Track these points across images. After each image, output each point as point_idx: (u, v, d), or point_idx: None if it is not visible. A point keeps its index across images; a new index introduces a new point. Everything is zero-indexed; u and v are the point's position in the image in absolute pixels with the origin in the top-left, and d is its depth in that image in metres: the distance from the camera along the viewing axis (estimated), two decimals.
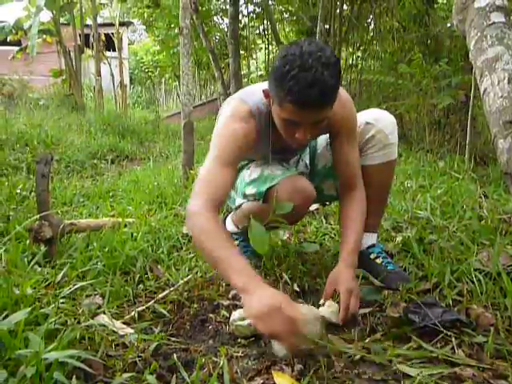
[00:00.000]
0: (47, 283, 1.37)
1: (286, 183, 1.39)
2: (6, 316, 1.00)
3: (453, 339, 1.10)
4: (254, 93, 1.38)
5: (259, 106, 1.36)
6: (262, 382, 0.97)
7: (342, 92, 1.41)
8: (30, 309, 1.01)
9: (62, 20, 9.02)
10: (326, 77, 1.11)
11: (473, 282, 1.35)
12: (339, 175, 1.49)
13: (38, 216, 1.63)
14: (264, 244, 1.28)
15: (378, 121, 1.49)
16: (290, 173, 1.46)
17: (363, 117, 1.52)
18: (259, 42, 10.76)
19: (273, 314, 0.97)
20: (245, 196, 1.51)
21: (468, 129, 3.68)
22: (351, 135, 1.43)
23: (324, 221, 2.25)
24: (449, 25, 5.26)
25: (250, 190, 1.48)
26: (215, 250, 1.12)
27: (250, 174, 1.52)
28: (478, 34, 1.23)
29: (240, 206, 1.56)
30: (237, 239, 1.77)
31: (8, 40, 9.56)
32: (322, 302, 1.28)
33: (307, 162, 1.66)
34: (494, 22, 1.21)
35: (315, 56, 1.12)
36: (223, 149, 1.31)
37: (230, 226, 1.79)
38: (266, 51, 9.37)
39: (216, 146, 1.33)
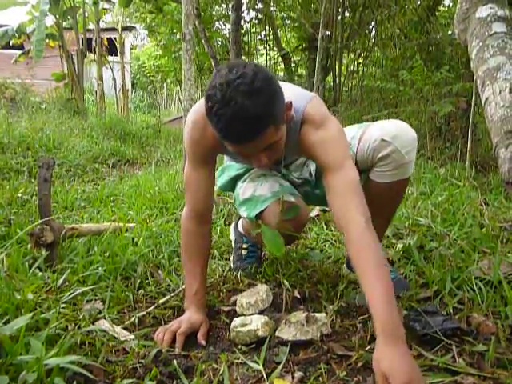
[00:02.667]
0: (48, 288, 1.37)
1: (275, 207, 1.38)
2: (7, 321, 1.00)
3: (453, 347, 1.09)
4: None
5: None
6: None
7: (319, 115, 1.26)
8: (31, 314, 1.01)
9: (64, 24, 9.07)
10: (248, 107, 1.00)
11: (473, 290, 1.34)
12: (330, 207, 1.24)
13: (40, 221, 1.63)
14: (280, 247, 1.29)
15: (395, 139, 1.32)
16: (282, 193, 1.42)
17: (380, 132, 1.35)
18: (261, 47, 10.81)
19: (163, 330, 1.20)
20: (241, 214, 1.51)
21: (469, 136, 3.69)
22: (333, 161, 1.20)
23: (325, 227, 2.25)
24: (450, 32, 5.29)
25: (243, 213, 1.48)
26: (184, 267, 1.39)
27: (243, 191, 1.50)
28: (480, 44, 1.24)
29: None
30: (246, 242, 1.78)
31: (11, 44, 9.61)
32: None
33: (312, 168, 1.57)
34: (495, 32, 1.22)
35: (233, 85, 1.01)
36: (189, 150, 1.37)
37: (242, 228, 1.80)
38: (268, 57, 9.43)
39: (185, 148, 1.39)
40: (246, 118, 1.02)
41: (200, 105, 1.33)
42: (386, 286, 1.01)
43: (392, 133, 1.33)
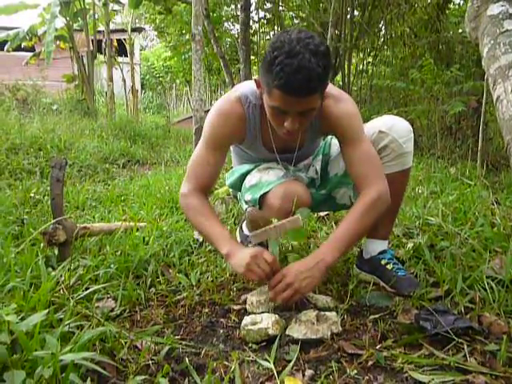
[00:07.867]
0: (61, 286, 1.39)
1: (279, 189, 1.40)
2: (23, 318, 1.01)
3: (465, 347, 1.09)
4: (248, 85, 1.44)
5: (249, 95, 1.39)
6: None
7: (336, 91, 1.42)
8: (47, 311, 1.02)
9: (75, 26, 9.15)
10: (313, 64, 1.12)
11: (485, 290, 1.34)
12: (351, 178, 1.44)
13: (54, 221, 1.66)
14: (302, 234, 1.32)
15: (391, 129, 1.43)
16: (286, 178, 1.45)
17: (377, 124, 1.47)
18: None
19: (255, 261, 1.23)
20: (245, 202, 1.53)
21: (480, 135, 3.65)
22: (353, 134, 1.37)
23: (334, 226, 2.25)
24: (460, 30, 5.24)
25: (247, 197, 1.51)
26: (202, 224, 1.39)
27: (249, 179, 1.54)
28: (491, 42, 1.23)
29: (245, 211, 1.58)
30: (250, 242, 1.78)
31: (22, 46, 9.72)
32: None
33: (318, 168, 1.64)
34: (507, 30, 1.21)
35: (303, 43, 1.13)
36: (210, 132, 1.43)
37: (246, 229, 1.81)
38: None
39: (205, 131, 1.45)
40: (309, 73, 1.12)
41: (229, 94, 1.45)
42: (340, 233, 1.29)
43: (388, 124, 1.44)
